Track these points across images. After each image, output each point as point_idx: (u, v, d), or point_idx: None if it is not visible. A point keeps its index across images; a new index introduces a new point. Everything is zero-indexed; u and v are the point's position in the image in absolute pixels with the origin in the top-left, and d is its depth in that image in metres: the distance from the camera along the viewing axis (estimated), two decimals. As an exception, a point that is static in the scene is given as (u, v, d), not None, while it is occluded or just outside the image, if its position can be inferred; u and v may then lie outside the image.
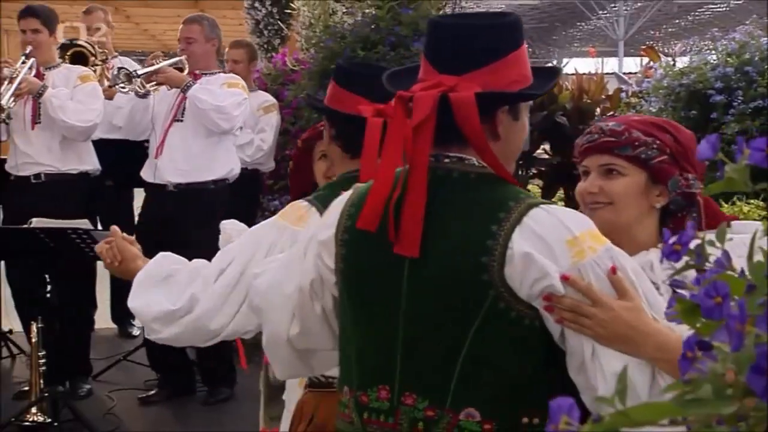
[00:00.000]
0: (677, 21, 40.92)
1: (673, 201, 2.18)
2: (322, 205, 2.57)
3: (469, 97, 1.77)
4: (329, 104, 2.80)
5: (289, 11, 6.64)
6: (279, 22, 7.26)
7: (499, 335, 1.79)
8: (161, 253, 2.75)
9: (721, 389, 0.80)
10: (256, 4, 7.52)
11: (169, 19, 13.83)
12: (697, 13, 39.73)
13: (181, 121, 5.55)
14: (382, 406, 1.86)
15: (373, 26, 5.32)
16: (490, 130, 1.84)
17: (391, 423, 1.84)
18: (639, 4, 25.75)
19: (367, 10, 5.42)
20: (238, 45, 6.72)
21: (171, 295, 2.60)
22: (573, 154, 2.64)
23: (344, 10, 5.57)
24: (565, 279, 1.70)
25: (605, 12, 25.72)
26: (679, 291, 1.03)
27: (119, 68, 5.80)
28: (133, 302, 2.62)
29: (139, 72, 5.59)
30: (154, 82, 5.58)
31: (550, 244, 1.73)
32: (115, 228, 2.86)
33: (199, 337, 2.72)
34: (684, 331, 1.14)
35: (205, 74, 5.72)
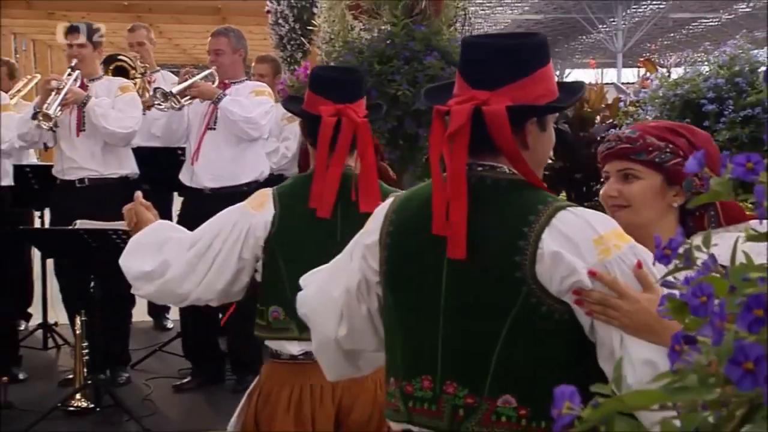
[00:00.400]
0: (672, 34, 40.80)
1: (689, 200, 2.17)
2: (279, 193, 2.93)
3: (500, 110, 1.81)
4: (305, 107, 2.93)
5: (310, 27, 6.59)
6: (301, 38, 7.24)
7: (532, 328, 1.82)
8: (159, 221, 2.98)
9: (705, 378, 0.83)
10: (280, 21, 7.51)
11: (198, 34, 13.82)
12: (691, 27, 39.60)
13: (214, 129, 5.58)
14: (425, 395, 1.90)
15: (388, 42, 5.29)
16: (521, 140, 1.87)
17: (434, 410, 1.88)
18: (636, 18, 25.65)
19: (382, 27, 5.39)
20: (263, 60, 6.79)
21: (152, 258, 2.82)
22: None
23: (362, 27, 5.53)
24: (592, 274, 1.73)
25: (605, 26, 25.64)
26: (670, 291, 1.06)
27: (155, 89, 5.85)
28: (123, 260, 2.85)
29: (174, 90, 5.63)
30: (188, 96, 5.62)
31: (578, 243, 1.77)
32: (138, 193, 3.03)
33: (171, 299, 3.04)
34: None
35: (234, 83, 5.78)
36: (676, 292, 1.01)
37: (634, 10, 26.01)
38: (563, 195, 5.91)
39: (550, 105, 1.97)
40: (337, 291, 2.09)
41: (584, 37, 28.98)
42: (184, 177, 5.77)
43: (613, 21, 26.30)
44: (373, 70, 5.24)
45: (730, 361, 0.79)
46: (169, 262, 2.82)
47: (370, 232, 2.04)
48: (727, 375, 0.79)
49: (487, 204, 1.87)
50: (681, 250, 1.09)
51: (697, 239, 1.08)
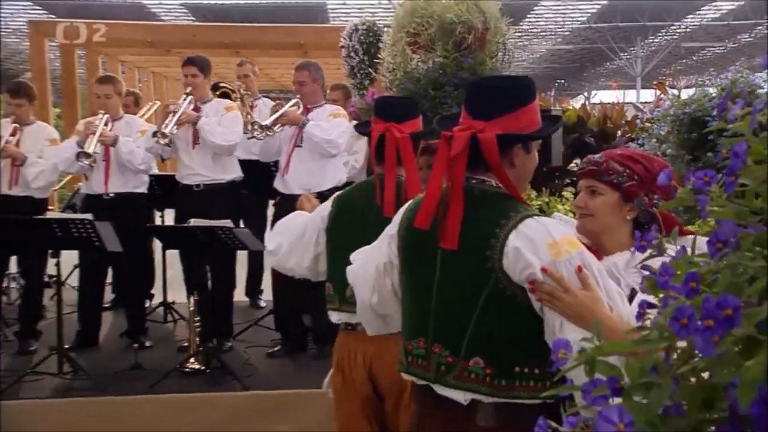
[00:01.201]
0: (684, 60, 39.78)
1: (641, 215, 2.30)
2: (337, 196, 3.24)
3: (492, 138, 1.96)
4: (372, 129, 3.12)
5: (376, 60, 6.68)
6: (369, 68, 7.30)
7: (499, 307, 1.98)
8: (298, 211, 3.33)
9: (662, 333, 0.94)
10: (351, 54, 7.55)
11: (284, 65, 14.03)
12: (700, 55, 38.57)
13: (301, 146, 5.64)
14: (419, 352, 2.09)
15: (440, 71, 5.34)
16: (508, 161, 2.03)
17: (424, 365, 2.07)
18: (653, 47, 25.15)
19: (436, 59, 5.43)
20: (336, 87, 6.81)
21: (275, 240, 3.20)
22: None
23: (419, 59, 5.58)
24: (544, 270, 1.88)
25: (626, 54, 25.19)
26: (647, 273, 1.17)
27: (253, 123, 5.92)
28: (267, 238, 3.40)
29: (269, 123, 5.73)
30: (279, 124, 5.73)
31: (536, 244, 1.92)
32: (306, 194, 3.57)
33: (285, 271, 3.28)
34: (631, 318, 1.46)
35: (315, 107, 5.78)
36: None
37: (651, 39, 25.53)
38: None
39: (532, 134, 2.11)
40: (371, 268, 2.29)
41: (608, 63, 28.45)
42: (277, 185, 5.83)
43: (633, 49, 25.84)
44: (428, 95, 5.35)
45: (672, 318, 0.90)
46: (282, 243, 3.17)
47: (393, 225, 2.24)
48: (670, 328, 0.90)
49: (474, 209, 2.00)
50: (655, 242, 1.22)
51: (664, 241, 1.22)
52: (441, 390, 2.03)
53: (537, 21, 20.61)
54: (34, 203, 6.11)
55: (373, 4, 8.87)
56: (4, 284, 6.79)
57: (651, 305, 1.06)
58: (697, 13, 20.84)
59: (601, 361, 1.00)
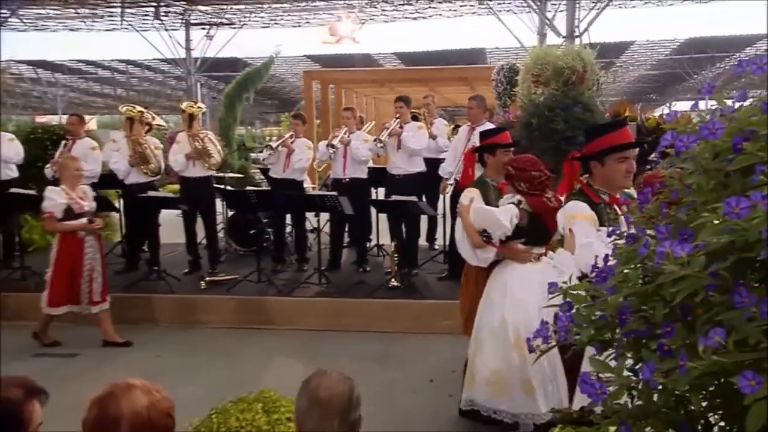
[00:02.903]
0: (743, 80, 33.91)
1: None
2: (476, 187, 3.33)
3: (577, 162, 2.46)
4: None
5: (513, 90, 6.55)
6: (508, 95, 7.16)
7: None
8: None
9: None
10: (498, 84, 7.40)
11: (455, 91, 13.39)
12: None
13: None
14: None
15: (553, 99, 5.27)
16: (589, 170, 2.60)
17: None
18: (720, 71, 22.35)
19: (550, 91, 5.36)
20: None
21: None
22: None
23: (539, 91, 5.50)
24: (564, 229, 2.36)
25: (698, 76, 22.69)
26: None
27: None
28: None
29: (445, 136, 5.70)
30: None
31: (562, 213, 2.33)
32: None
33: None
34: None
35: (478, 125, 5.52)
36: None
37: (718, 65, 22.77)
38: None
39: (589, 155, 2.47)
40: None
41: (684, 83, 25.70)
42: (443, 173, 5.79)
43: (704, 72, 23.22)
44: (543, 115, 5.25)
45: (597, 271, 1.01)
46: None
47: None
48: (596, 276, 1.00)
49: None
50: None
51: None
52: None
53: (632, 54, 19.24)
54: (294, 183, 6.24)
55: (516, 48, 8.88)
56: (287, 230, 6.91)
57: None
58: (754, 45, 18.49)
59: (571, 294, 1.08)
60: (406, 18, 10.95)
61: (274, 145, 6.25)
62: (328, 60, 18.02)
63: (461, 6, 10.69)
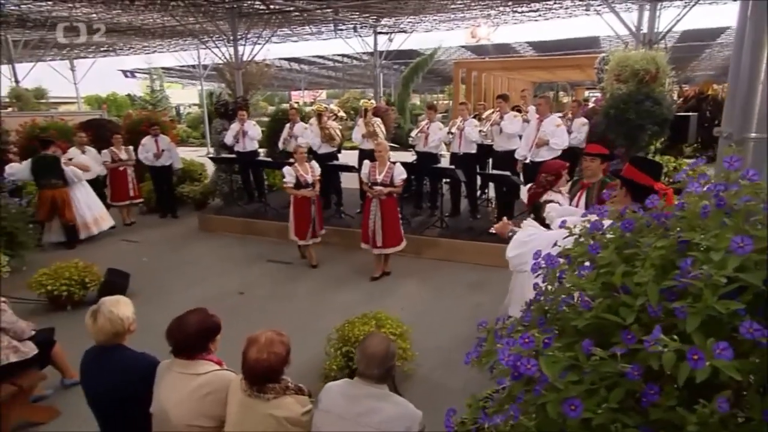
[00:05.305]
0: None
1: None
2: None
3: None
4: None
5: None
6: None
7: None
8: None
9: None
10: (598, 72, 6.29)
11: (569, 73, 12.08)
12: None
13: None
14: None
15: (628, 94, 4.82)
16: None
17: None
18: None
19: (627, 87, 4.89)
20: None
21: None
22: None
23: (618, 87, 4.97)
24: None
25: None
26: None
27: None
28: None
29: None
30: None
31: None
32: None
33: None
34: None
35: (545, 118, 5.15)
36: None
37: None
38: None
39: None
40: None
41: None
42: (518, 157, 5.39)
43: None
44: (619, 107, 4.86)
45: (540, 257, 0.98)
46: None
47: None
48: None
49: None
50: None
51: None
52: None
53: (728, 37, 14.67)
54: (432, 155, 5.76)
55: (624, 35, 7.48)
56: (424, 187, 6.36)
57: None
58: None
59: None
60: (530, 20, 10.18)
61: (413, 134, 6.22)
62: (476, 49, 17.13)
63: (574, 10, 9.48)
